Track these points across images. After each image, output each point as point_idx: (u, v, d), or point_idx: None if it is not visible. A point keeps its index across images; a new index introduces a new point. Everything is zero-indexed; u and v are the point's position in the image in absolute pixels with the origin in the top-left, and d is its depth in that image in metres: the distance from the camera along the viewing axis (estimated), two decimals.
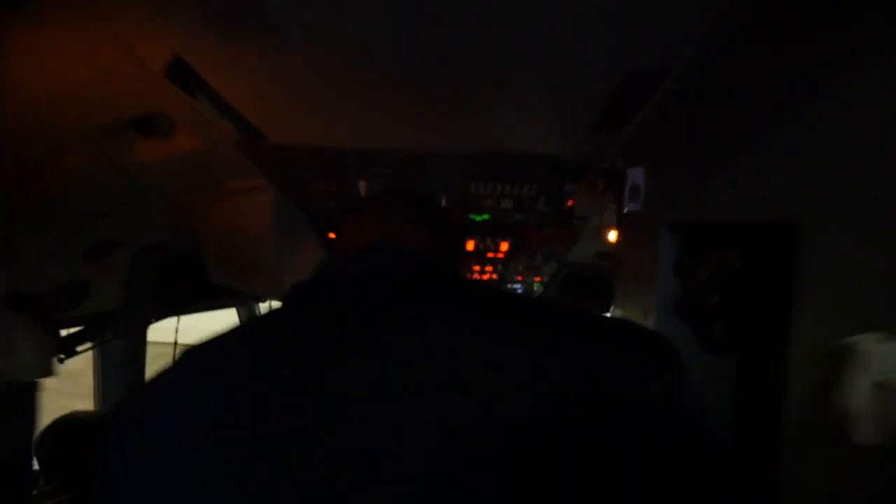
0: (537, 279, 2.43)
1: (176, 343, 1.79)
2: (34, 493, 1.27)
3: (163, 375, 0.50)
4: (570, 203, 1.30)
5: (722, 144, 0.68)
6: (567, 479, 0.35)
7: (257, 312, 2.59)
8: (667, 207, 0.83)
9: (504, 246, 1.74)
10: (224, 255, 1.43)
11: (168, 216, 1.34)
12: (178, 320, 1.96)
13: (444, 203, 1.38)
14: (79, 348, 1.49)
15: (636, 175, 0.90)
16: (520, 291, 2.77)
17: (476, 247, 1.72)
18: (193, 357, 0.50)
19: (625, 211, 0.92)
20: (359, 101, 0.88)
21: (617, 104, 0.86)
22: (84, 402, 1.99)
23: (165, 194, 1.22)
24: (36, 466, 1.27)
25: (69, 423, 1.25)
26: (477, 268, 2.18)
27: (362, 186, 1.25)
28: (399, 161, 1.11)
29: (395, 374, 0.42)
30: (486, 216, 1.48)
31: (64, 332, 1.50)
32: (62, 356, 1.45)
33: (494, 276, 2.40)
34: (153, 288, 1.57)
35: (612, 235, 1.64)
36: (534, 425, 0.37)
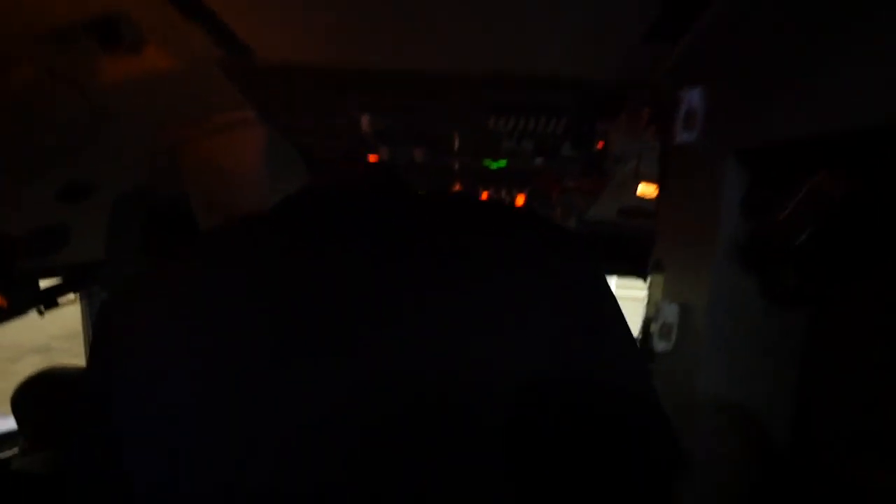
0: None
1: None
2: (14, 451, 1.18)
3: (149, 292, 0.48)
4: (600, 145, 1.14)
5: (808, 44, 0.52)
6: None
7: None
8: (731, 133, 0.68)
9: (520, 199, 1.59)
10: (212, 202, 1.29)
11: (147, 155, 1.20)
12: None
13: (456, 146, 1.23)
14: (60, 299, 1.38)
15: (693, 97, 0.74)
16: None
17: (489, 199, 1.58)
18: (181, 276, 0.48)
19: (676, 142, 0.77)
20: (361, 9, 0.73)
21: (671, 10, 0.70)
22: None
23: (140, 127, 1.08)
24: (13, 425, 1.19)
25: (47, 379, 1.16)
26: None
27: (365, 121, 1.10)
28: (407, 88, 0.95)
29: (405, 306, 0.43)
30: (502, 163, 1.33)
31: (45, 284, 1.39)
32: (42, 307, 1.34)
33: None
34: (139, 238, 1.45)
35: (644, 188, 1.49)
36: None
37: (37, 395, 1.14)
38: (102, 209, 1.32)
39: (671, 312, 0.81)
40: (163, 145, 1.16)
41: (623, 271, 2.15)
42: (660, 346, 0.84)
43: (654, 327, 0.88)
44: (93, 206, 1.26)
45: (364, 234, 0.47)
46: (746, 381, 0.72)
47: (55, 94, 0.86)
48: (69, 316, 1.94)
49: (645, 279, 2.46)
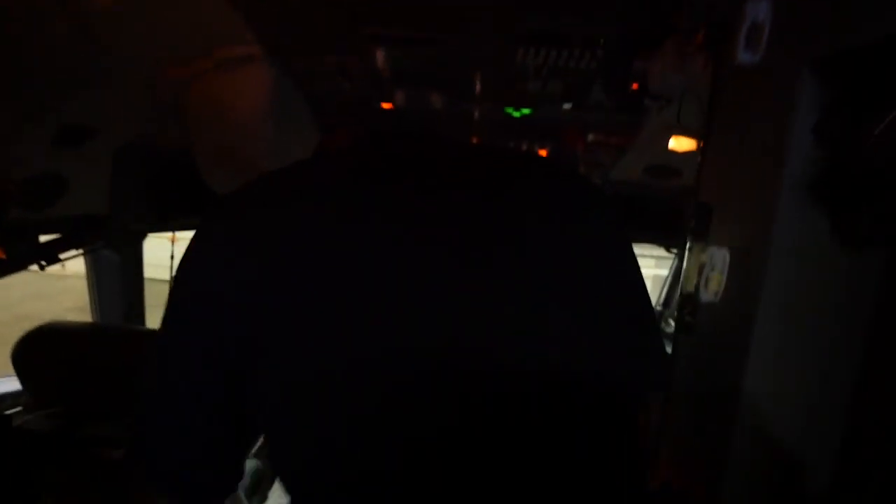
0: None
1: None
2: (16, 409, 1.15)
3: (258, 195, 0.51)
4: (634, 87, 1.04)
5: None
6: None
7: None
8: (805, 43, 0.59)
9: (542, 154, 1.50)
10: (217, 148, 1.22)
11: (148, 99, 1.12)
12: (174, 243, 1.80)
13: (478, 89, 1.14)
14: (62, 255, 1.33)
15: (758, 10, 0.65)
16: None
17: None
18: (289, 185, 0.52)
19: (737, 64, 0.68)
20: None
21: None
22: None
23: (139, 64, 1.00)
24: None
25: (47, 334, 1.11)
26: None
27: (380, 58, 1.01)
28: (426, 14, 0.86)
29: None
30: (526, 110, 1.23)
31: (45, 238, 1.34)
32: (43, 262, 1.29)
33: None
34: (142, 191, 1.38)
35: (677, 142, 1.39)
36: None
37: (38, 349, 1.09)
38: (102, 159, 1.26)
39: (720, 259, 0.73)
40: (164, 85, 1.08)
41: (646, 237, 2.06)
42: (705, 296, 0.76)
43: (688, 277, 0.80)
44: (92, 155, 1.20)
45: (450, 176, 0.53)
46: (806, 336, 0.65)
47: (51, 26, 0.78)
48: (81, 289, 1.91)
49: (667, 246, 2.37)
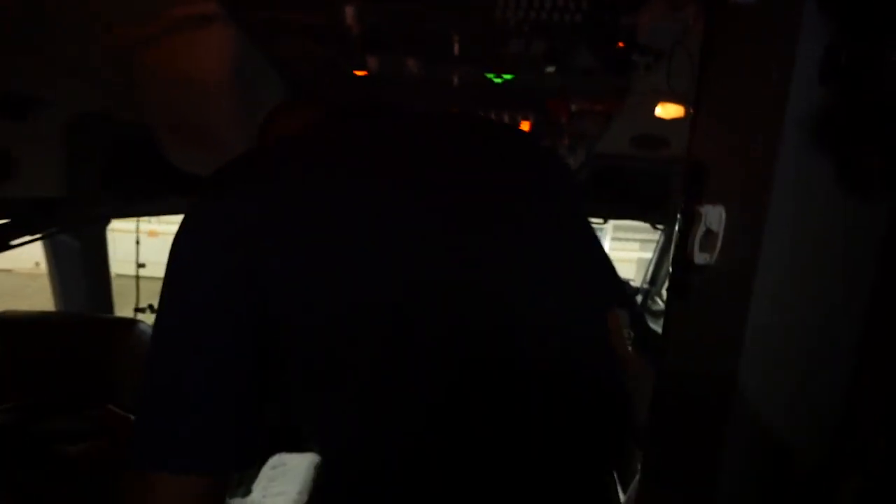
0: None
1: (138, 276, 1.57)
2: None
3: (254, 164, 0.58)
4: (620, 45, 0.99)
5: None
6: None
7: None
8: None
9: (525, 127, 1.44)
10: (177, 121, 1.13)
11: (97, 66, 1.03)
12: (138, 232, 1.71)
13: (456, 50, 1.07)
14: (14, 241, 1.24)
15: None
16: None
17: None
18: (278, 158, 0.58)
19: None
20: None
21: None
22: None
23: (81, 26, 0.91)
24: None
25: (1, 322, 1.03)
26: None
27: (349, 15, 0.93)
28: None
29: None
30: (508, 76, 1.17)
31: None
32: None
33: None
34: (99, 172, 1.29)
35: (664, 109, 1.34)
36: None
37: None
38: (52, 136, 1.17)
39: (714, 217, 0.69)
40: (112, 52, 0.99)
41: (633, 214, 2.02)
42: (699, 258, 0.72)
43: (682, 239, 0.75)
44: (39, 129, 1.10)
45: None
46: (810, 292, 0.60)
47: None
48: None
49: (654, 222, 2.35)
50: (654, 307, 2.60)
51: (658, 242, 2.51)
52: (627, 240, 11.17)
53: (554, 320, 0.59)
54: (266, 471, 1.51)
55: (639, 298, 2.65)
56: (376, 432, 0.54)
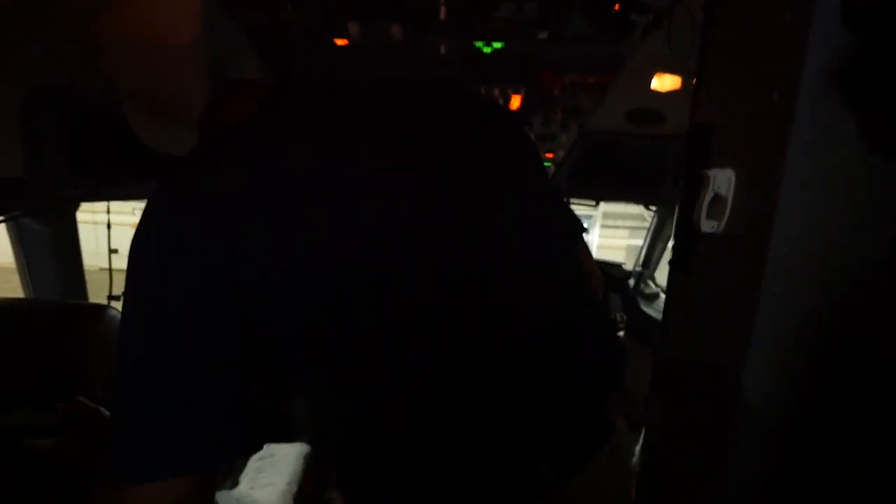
0: (549, 155, 2.03)
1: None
2: None
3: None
4: (616, 7, 0.93)
5: None
6: None
7: None
8: None
9: (515, 102, 1.38)
10: (144, 93, 1.06)
11: (55, 30, 0.95)
12: (109, 212, 1.63)
13: (443, 16, 1.00)
14: None
15: None
16: None
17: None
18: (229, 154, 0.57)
19: None
20: None
21: None
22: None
23: None
24: None
25: None
26: None
27: None
28: None
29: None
30: (498, 44, 1.11)
31: None
32: None
33: None
34: (64, 151, 1.21)
35: (660, 81, 1.29)
36: None
37: None
38: (9, 112, 1.08)
39: (724, 181, 0.64)
40: (70, 18, 0.91)
41: (626, 195, 1.98)
42: (706, 225, 0.67)
43: (685, 208, 0.70)
44: None
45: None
46: (831, 263, 0.56)
47: None
48: None
49: (647, 203, 2.31)
50: (647, 290, 2.57)
51: (651, 224, 2.48)
52: (616, 227, 11.19)
53: (532, 262, 0.62)
54: (254, 462, 1.46)
55: (631, 282, 2.63)
56: (370, 394, 0.56)
